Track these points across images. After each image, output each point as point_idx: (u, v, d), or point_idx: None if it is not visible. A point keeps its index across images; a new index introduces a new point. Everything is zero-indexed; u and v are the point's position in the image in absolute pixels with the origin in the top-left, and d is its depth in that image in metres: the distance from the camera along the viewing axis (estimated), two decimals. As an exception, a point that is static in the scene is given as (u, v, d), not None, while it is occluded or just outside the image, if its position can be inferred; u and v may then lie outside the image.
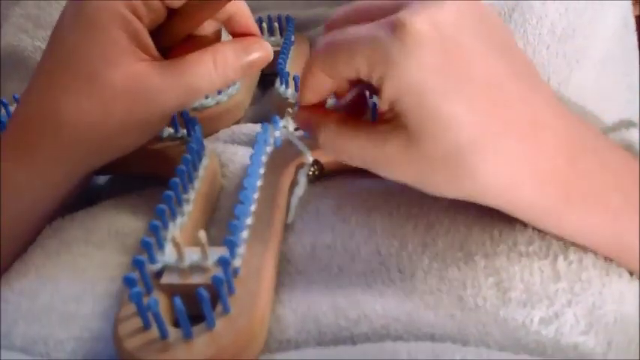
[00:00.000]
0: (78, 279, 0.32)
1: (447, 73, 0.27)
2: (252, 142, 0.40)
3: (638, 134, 0.43)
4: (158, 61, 0.35)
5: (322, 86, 0.31)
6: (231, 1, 0.34)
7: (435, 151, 0.27)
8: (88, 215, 0.37)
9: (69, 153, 0.35)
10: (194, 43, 0.37)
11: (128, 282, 0.25)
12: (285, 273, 0.31)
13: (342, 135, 0.30)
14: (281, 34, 0.51)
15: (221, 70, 0.35)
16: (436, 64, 0.27)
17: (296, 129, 0.38)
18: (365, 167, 0.30)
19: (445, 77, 0.27)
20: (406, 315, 0.28)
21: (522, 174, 0.28)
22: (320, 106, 0.33)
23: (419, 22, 0.27)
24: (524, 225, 0.31)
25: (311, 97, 0.32)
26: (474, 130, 0.27)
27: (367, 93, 0.34)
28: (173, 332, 0.26)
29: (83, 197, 0.39)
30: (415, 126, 0.27)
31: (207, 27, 0.37)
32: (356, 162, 0.31)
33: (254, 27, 0.37)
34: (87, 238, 0.35)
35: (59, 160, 0.35)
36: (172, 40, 0.36)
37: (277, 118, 0.37)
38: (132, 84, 0.33)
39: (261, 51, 0.36)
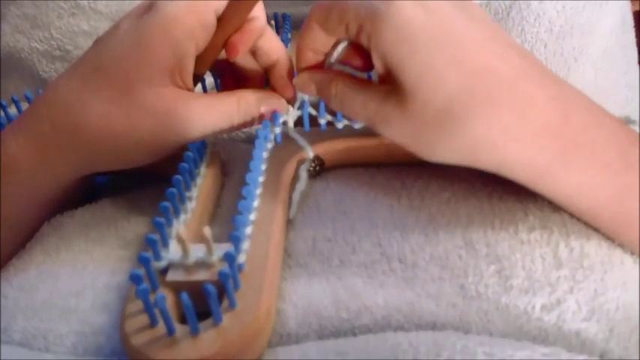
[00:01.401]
0: (78, 274, 0.32)
1: (432, 30, 0.29)
2: (250, 139, 0.40)
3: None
4: (189, 90, 0.35)
5: (318, 43, 0.34)
6: (276, 49, 0.37)
7: (425, 106, 0.29)
8: (88, 212, 0.37)
9: (82, 155, 0.35)
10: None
11: (134, 279, 0.25)
12: (286, 266, 0.31)
13: (349, 91, 0.33)
14: (278, 32, 0.51)
15: (242, 113, 0.36)
16: (422, 21, 0.29)
17: (296, 125, 0.38)
18: (368, 124, 0.32)
19: (431, 33, 0.29)
20: (407, 304, 0.28)
21: (513, 127, 0.29)
22: (319, 66, 0.35)
23: None
24: (525, 213, 0.31)
25: (309, 55, 0.35)
26: (462, 82, 0.29)
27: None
28: (180, 328, 0.26)
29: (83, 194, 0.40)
30: (407, 81, 0.29)
31: (251, 70, 0.39)
32: (360, 118, 0.33)
33: (288, 83, 0.38)
34: (87, 234, 0.35)
35: (70, 159, 0.35)
36: (206, 63, 0.36)
37: (277, 114, 0.37)
38: (162, 106, 0.33)
39: (277, 105, 0.37)
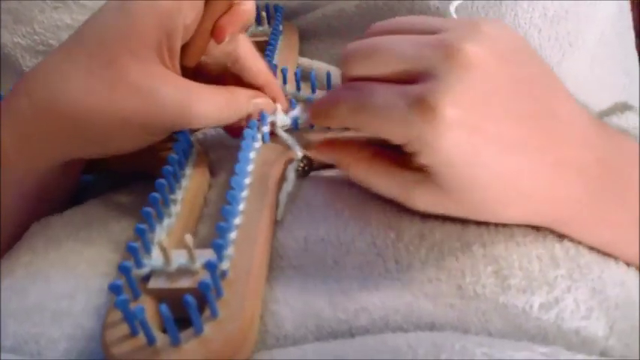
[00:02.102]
0: (69, 275, 0.32)
1: (476, 146, 0.28)
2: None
3: (634, 118, 0.42)
4: (177, 74, 0.34)
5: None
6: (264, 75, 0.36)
7: (463, 203, 0.30)
8: (76, 212, 0.36)
9: (62, 135, 0.33)
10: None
11: (114, 289, 0.25)
12: (279, 269, 0.31)
13: (372, 173, 0.32)
14: (269, 23, 0.50)
15: (232, 108, 0.35)
16: (465, 141, 0.28)
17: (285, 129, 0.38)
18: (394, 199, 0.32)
19: (474, 150, 0.28)
20: (405, 305, 0.28)
21: (544, 215, 0.30)
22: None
23: (448, 107, 0.27)
24: None
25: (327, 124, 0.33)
26: (500, 189, 0.29)
27: None
28: (161, 338, 0.25)
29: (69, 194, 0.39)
30: (445, 186, 0.29)
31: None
32: (382, 194, 0.32)
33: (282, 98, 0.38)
34: (76, 234, 0.35)
35: (49, 137, 0.33)
36: (194, 53, 0.35)
37: (265, 113, 0.36)
38: (146, 83, 0.32)
39: (267, 105, 0.37)
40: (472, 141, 0.28)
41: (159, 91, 0.32)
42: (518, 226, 0.31)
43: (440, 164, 0.28)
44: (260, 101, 0.36)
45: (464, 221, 0.31)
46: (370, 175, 0.32)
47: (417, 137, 0.28)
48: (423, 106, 0.27)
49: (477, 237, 0.30)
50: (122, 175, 0.40)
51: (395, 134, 0.29)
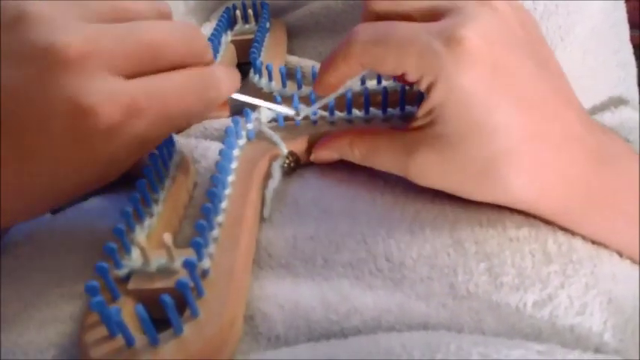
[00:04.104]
0: (55, 284, 0.31)
1: (495, 87, 0.28)
2: (223, 136, 0.39)
3: (628, 112, 0.41)
4: None
5: (348, 74, 0.31)
6: None
7: (471, 160, 0.29)
8: (59, 218, 0.36)
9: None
10: None
11: (90, 290, 0.24)
12: (268, 267, 0.30)
13: (373, 149, 0.32)
14: (256, 21, 0.50)
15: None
16: (486, 78, 0.28)
17: (269, 120, 0.37)
18: (400, 174, 0.31)
19: (493, 91, 0.28)
20: (397, 306, 0.27)
21: (552, 184, 0.30)
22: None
23: (474, 39, 0.27)
24: (511, 210, 0.31)
25: (334, 83, 0.32)
26: (511, 142, 0.28)
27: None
28: (140, 339, 0.25)
29: None
30: (456, 133, 0.28)
31: None
32: (391, 170, 0.32)
33: None
34: (60, 240, 0.34)
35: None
36: None
37: (249, 110, 0.36)
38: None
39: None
40: (493, 80, 0.28)
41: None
42: (511, 218, 0.30)
43: (455, 101, 0.28)
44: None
45: (454, 216, 0.31)
46: (373, 146, 0.32)
47: (438, 67, 0.28)
48: (448, 36, 0.28)
49: (468, 233, 0.30)
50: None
51: (415, 65, 0.28)
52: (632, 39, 0.47)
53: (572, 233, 0.31)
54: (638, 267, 0.32)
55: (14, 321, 0.29)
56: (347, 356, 0.25)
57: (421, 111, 0.30)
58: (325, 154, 0.35)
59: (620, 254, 0.31)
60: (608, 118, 0.43)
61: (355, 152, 0.33)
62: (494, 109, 0.28)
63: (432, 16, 0.29)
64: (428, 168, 0.30)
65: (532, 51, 0.30)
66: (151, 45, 0.28)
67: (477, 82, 0.28)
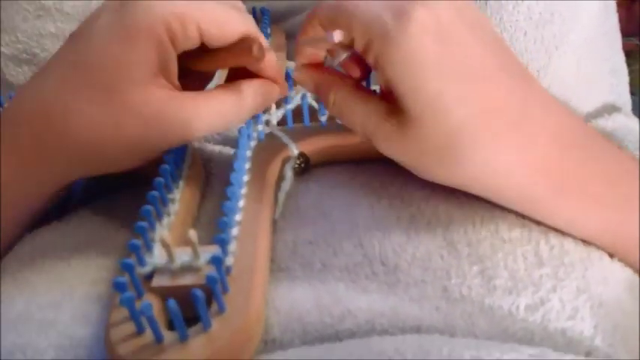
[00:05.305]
0: (55, 284, 0.31)
1: (444, 61, 0.28)
2: (226, 140, 0.39)
3: (621, 120, 0.42)
4: (177, 90, 0.33)
5: (319, 42, 0.33)
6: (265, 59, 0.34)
7: (429, 135, 0.29)
8: (63, 220, 0.36)
9: (67, 164, 0.33)
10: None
11: (118, 286, 0.25)
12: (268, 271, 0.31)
13: (351, 102, 0.32)
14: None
15: (240, 110, 0.34)
16: (435, 51, 0.28)
17: (279, 123, 0.38)
18: (365, 138, 0.32)
19: (443, 65, 0.28)
20: (391, 309, 0.28)
21: (512, 163, 0.29)
22: (319, 65, 0.34)
23: (423, 13, 0.28)
24: (503, 211, 0.31)
25: (308, 51, 0.34)
26: (467, 117, 0.28)
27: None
28: (167, 335, 0.25)
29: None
30: (412, 108, 0.29)
31: None
32: (358, 130, 0.32)
33: (280, 77, 0.37)
34: (63, 242, 0.34)
35: (55, 169, 0.33)
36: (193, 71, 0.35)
37: (259, 112, 0.36)
38: (149, 110, 0.31)
39: (272, 95, 0.36)
40: (442, 50, 0.28)
41: (162, 116, 0.31)
42: (503, 219, 0.31)
43: (404, 72, 0.28)
44: (266, 90, 0.35)
45: (448, 218, 0.31)
46: (349, 101, 0.32)
47: (383, 35, 0.28)
48: (398, 8, 0.29)
49: (461, 234, 0.30)
50: (109, 179, 0.40)
51: (361, 30, 0.29)
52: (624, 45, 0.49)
53: (564, 234, 0.31)
54: (628, 269, 0.32)
55: (15, 321, 0.29)
56: (341, 359, 0.25)
57: (381, 83, 0.30)
58: (305, 77, 0.35)
59: (611, 256, 0.32)
60: (601, 125, 0.44)
61: (330, 97, 0.33)
62: (446, 80, 0.28)
63: None
64: (392, 138, 0.30)
65: (483, 33, 0.30)
66: None
67: (426, 53, 0.28)
